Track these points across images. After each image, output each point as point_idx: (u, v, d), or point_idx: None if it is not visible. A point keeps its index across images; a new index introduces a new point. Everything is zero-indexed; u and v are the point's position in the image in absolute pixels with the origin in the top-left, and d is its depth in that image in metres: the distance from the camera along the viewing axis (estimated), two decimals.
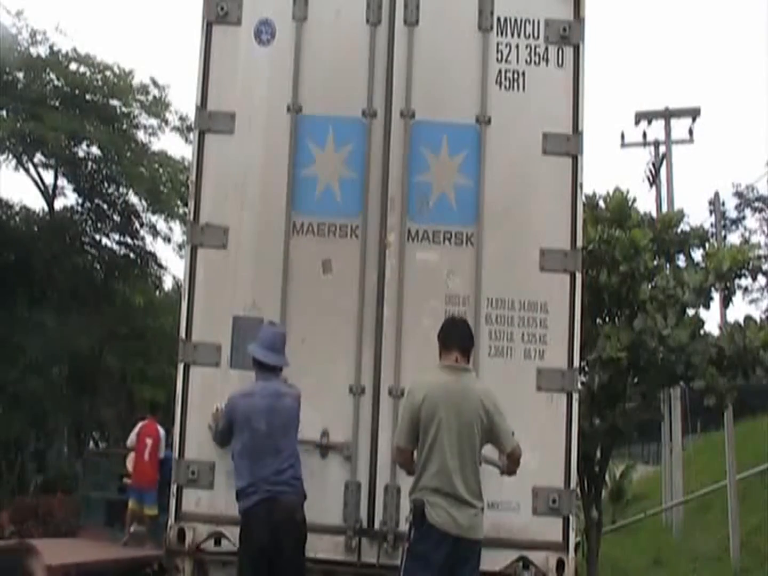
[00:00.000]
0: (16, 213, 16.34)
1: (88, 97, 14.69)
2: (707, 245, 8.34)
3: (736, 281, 8.05)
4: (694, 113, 18.84)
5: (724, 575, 11.34)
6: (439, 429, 4.32)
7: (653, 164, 19.50)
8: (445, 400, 4.36)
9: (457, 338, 4.54)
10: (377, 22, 5.34)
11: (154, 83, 15.31)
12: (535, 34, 5.32)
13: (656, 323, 7.22)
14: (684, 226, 8.31)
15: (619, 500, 18.68)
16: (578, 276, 5.16)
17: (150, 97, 15.26)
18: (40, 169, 15.68)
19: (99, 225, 16.72)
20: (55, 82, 14.61)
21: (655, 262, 7.78)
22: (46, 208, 16.16)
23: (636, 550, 13.90)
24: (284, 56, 5.33)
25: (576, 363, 5.10)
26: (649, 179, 19.62)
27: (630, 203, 8.02)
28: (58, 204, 16.33)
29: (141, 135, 15.73)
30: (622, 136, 19.65)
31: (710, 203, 18.17)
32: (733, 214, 29.42)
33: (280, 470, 4.66)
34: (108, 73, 14.76)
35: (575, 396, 5.06)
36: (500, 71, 5.30)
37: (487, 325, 5.10)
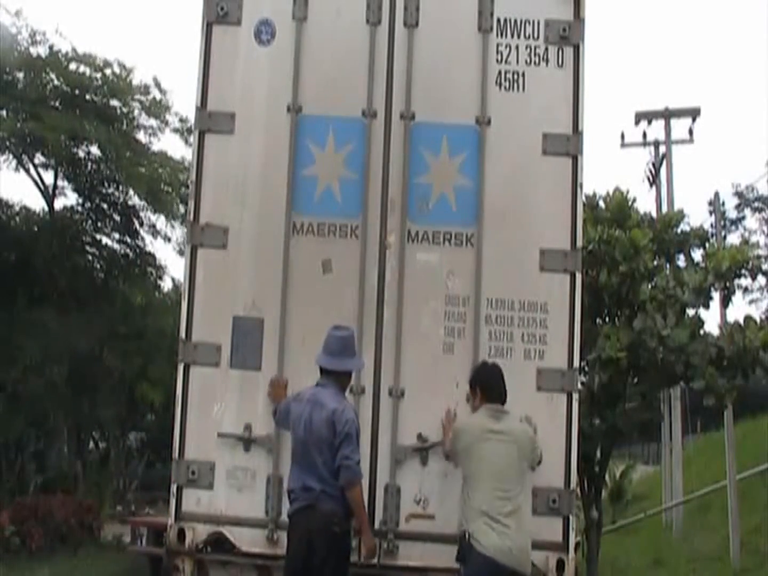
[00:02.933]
0: (16, 213, 16.32)
1: (88, 97, 14.63)
2: (707, 245, 8.34)
3: (736, 281, 8.03)
4: (694, 113, 18.86)
5: (724, 575, 11.32)
6: (480, 465, 4.64)
7: (653, 164, 19.51)
8: (487, 440, 4.68)
9: (498, 392, 4.82)
10: (377, 23, 5.34)
11: (156, 83, 15.29)
12: (535, 35, 5.32)
13: (656, 323, 7.22)
14: (684, 226, 8.32)
15: (619, 500, 18.67)
16: (578, 276, 5.16)
17: (150, 98, 15.22)
18: (40, 169, 15.65)
19: (99, 225, 16.69)
20: (55, 82, 14.56)
21: (655, 262, 7.78)
22: (46, 208, 16.13)
23: (636, 550, 13.86)
24: (284, 56, 5.33)
25: (576, 363, 5.11)
26: (649, 179, 19.63)
27: (630, 203, 8.02)
28: (58, 204, 16.31)
29: (141, 135, 15.71)
30: (622, 136, 19.67)
31: (710, 203, 18.20)
32: (733, 214, 29.51)
33: (314, 487, 4.59)
34: (108, 71, 14.70)
35: (575, 396, 5.06)
36: (500, 72, 5.30)
37: (487, 326, 5.11)
